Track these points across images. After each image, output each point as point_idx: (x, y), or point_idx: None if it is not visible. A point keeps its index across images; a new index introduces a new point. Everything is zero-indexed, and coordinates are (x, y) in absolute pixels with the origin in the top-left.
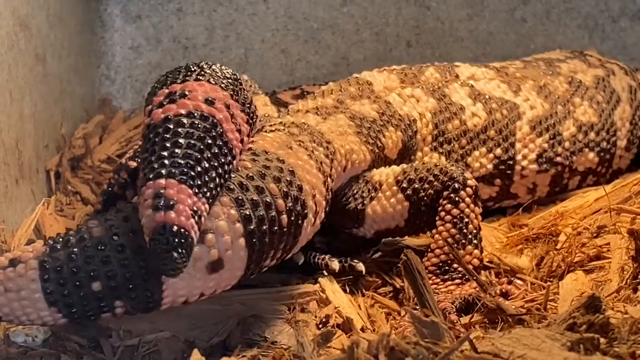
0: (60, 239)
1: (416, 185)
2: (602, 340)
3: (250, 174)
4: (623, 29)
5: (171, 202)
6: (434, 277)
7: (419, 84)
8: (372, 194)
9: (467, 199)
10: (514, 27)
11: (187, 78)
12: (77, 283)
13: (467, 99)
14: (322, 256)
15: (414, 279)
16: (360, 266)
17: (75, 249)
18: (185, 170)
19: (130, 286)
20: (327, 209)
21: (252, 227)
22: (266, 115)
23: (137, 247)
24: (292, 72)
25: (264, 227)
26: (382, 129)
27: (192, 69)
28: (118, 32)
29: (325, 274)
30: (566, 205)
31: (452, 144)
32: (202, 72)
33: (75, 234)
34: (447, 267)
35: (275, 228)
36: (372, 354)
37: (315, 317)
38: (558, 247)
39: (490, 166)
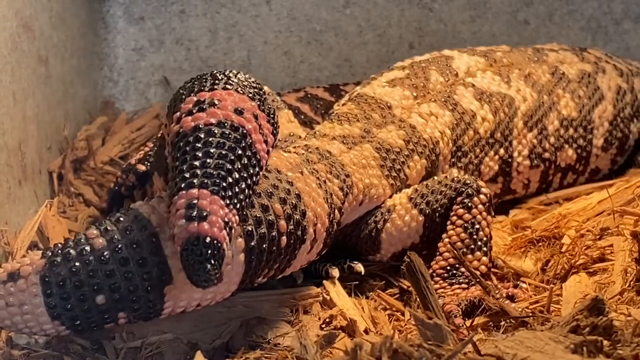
0: (59, 251)
1: (429, 198)
2: (605, 342)
3: (258, 191)
4: (626, 31)
5: (204, 213)
6: (441, 281)
7: (431, 96)
8: (386, 217)
9: (480, 206)
10: (517, 29)
11: (215, 86)
12: (81, 297)
13: (474, 101)
14: (323, 263)
15: (417, 281)
16: (360, 267)
17: (77, 263)
18: (217, 181)
19: (134, 298)
20: (327, 240)
21: (252, 243)
22: (292, 134)
23: (140, 259)
24: (294, 74)
25: (264, 246)
26: (407, 159)
27: (219, 78)
28: (121, 34)
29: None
30: (569, 207)
31: (468, 156)
32: (230, 81)
33: (75, 245)
34: (454, 271)
35: (274, 248)
36: (375, 356)
37: (319, 319)
38: (563, 250)
39: (496, 167)
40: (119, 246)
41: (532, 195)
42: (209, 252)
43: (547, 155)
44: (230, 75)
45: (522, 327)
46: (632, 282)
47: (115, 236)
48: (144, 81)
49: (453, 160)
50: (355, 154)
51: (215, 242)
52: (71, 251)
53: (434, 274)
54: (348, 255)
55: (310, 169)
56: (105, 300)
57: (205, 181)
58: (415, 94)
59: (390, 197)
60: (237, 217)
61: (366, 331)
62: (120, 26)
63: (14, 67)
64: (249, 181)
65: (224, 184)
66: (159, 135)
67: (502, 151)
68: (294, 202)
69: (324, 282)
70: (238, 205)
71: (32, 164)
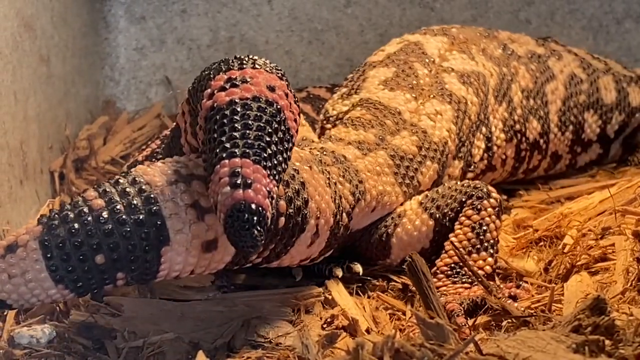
0: (56, 215)
1: (440, 202)
2: (607, 342)
3: None
4: (627, 31)
5: (248, 181)
6: (444, 278)
7: (427, 92)
8: (397, 221)
9: (490, 209)
10: (518, 28)
11: (243, 66)
12: (81, 257)
13: (461, 86)
14: (326, 264)
15: (419, 281)
16: (358, 267)
17: (76, 224)
18: (259, 151)
19: (132, 258)
20: (332, 241)
21: None
22: (304, 138)
23: (139, 219)
24: (296, 74)
25: None
26: (420, 166)
27: (246, 60)
28: (122, 34)
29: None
30: (571, 206)
31: (465, 144)
32: (257, 62)
33: (73, 207)
34: (458, 269)
35: (271, 226)
36: (377, 356)
37: (320, 318)
38: (566, 250)
39: (483, 146)
40: (118, 207)
41: (506, 180)
42: (255, 218)
43: (517, 127)
44: (255, 57)
45: (524, 326)
46: (633, 282)
47: (114, 197)
48: (145, 81)
49: (455, 152)
50: (370, 160)
51: (260, 209)
52: (69, 213)
53: (438, 271)
54: (349, 256)
55: (321, 168)
56: (104, 260)
57: (247, 151)
58: (414, 95)
59: (402, 204)
60: (276, 188)
61: (368, 331)
62: (121, 26)
63: (16, 67)
64: (284, 155)
65: (265, 155)
66: (171, 128)
67: (484, 129)
68: (297, 187)
69: (327, 281)
70: (277, 177)
71: (33, 163)
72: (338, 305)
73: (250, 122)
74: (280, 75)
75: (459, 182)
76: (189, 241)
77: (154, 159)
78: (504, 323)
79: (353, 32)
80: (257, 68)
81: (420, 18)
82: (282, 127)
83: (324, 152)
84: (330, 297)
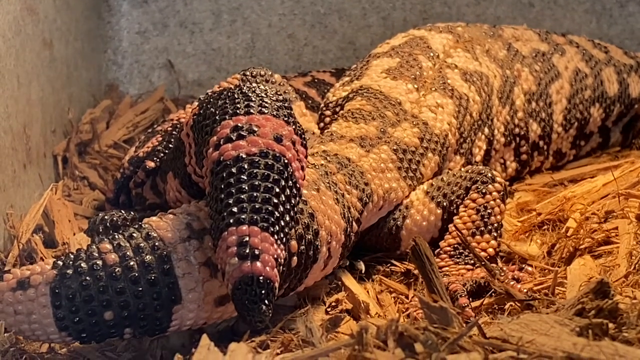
0: (71, 263)
1: (445, 190)
2: (610, 325)
3: None
4: (631, 14)
5: (256, 252)
6: (447, 259)
7: (429, 84)
8: (405, 213)
9: (495, 193)
10: (522, 11)
11: (250, 109)
12: (90, 311)
13: (464, 83)
14: None
15: (423, 264)
16: (361, 265)
17: (88, 277)
18: (266, 216)
19: (142, 316)
20: (344, 253)
21: None
22: (306, 131)
23: (151, 279)
24: (299, 57)
25: None
26: (422, 158)
27: (253, 99)
28: (125, 17)
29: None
30: (574, 189)
31: (467, 141)
32: (264, 103)
33: (87, 259)
34: (462, 250)
35: (284, 269)
36: (380, 340)
37: (324, 303)
38: (569, 233)
39: (484, 147)
40: (131, 264)
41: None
42: (263, 292)
43: (517, 130)
44: (261, 93)
45: (527, 310)
46: (637, 265)
47: (128, 253)
48: (148, 64)
49: (457, 147)
50: (374, 157)
51: (268, 281)
52: (83, 264)
53: (441, 252)
54: (355, 249)
55: (328, 182)
56: (113, 316)
57: (255, 217)
58: (416, 86)
59: (408, 195)
60: (284, 253)
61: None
62: (124, 9)
63: (19, 51)
64: (291, 213)
65: (272, 219)
66: (171, 130)
67: (486, 130)
68: (306, 221)
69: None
70: (284, 240)
71: (36, 147)
72: (343, 290)
73: (257, 182)
74: (286, 117)
75: (462, 169)
76: (202, 298)
77: (155, 158)
78: (507, 306)
79: (356, 16)
80: (264, 112)
81: (423, 1)
82: (289, 183)
83: (327, 158)
84: (338, 282)
